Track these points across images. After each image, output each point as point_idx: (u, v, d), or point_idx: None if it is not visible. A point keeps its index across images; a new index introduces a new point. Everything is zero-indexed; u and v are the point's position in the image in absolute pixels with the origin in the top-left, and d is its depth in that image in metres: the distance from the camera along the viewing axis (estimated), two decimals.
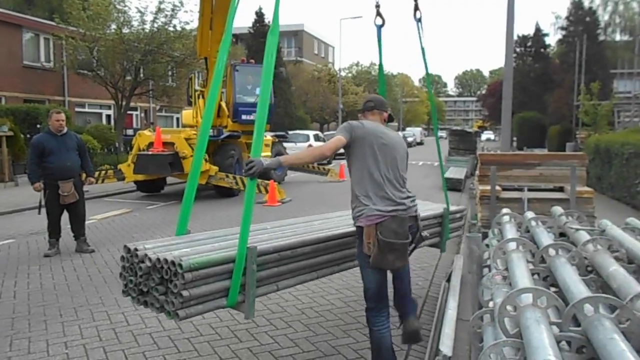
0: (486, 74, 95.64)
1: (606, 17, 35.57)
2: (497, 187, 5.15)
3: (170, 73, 20.73)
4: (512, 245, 1.49)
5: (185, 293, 2.38)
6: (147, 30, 18.45)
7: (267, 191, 10.94)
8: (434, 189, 12.15)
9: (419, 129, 55.10)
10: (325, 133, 28.54)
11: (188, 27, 18.92)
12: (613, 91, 24.34)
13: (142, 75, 19.22)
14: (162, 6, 18.30)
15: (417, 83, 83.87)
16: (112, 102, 20.75)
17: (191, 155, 11.01)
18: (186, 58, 18.99)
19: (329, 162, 21.21)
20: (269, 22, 35.26)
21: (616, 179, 9.85)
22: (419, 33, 4.50)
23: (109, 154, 17.16)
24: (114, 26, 18.31)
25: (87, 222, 6.93)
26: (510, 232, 1.76)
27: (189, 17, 25.33)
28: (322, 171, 16.04)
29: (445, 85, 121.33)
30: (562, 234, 1.78)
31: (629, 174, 8.94)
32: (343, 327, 4.03)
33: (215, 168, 11.29)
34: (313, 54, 48.01)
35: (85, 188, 6.76)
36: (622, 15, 36.69)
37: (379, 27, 4.33)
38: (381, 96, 3.53)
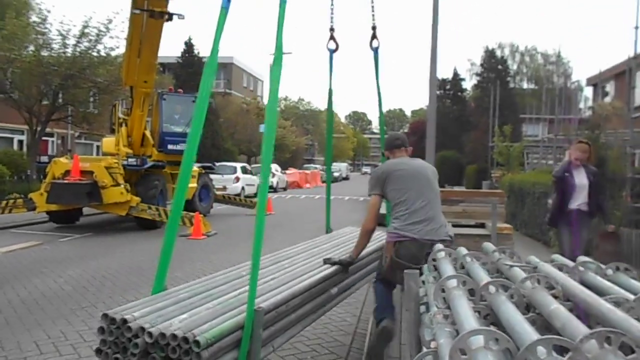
0: (408, 113, 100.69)
1: (515, 67, 39.17)
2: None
3: (92, 99, 19.75)
4: (453, 283, 1.47)
5: None
6: (68, 54, 17.54)
7: (191, 224, 10.53)
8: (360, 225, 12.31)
9: (345, 164, 56.41)
10: (253, 165, 28.31)
11: (113, 53, 18.22)
12: (523, 134, 26.46)
13: (60, 100, 18.13)
14: (86, 30, 17.52)
15: (343, 120, 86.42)
16: (25, 127, 19.29)
17: (111, 185, 10.47)
18: (110, 84, 18.19)
19: (256, 195, 21.00)
20: (198, 52, 35.04)
21: (529, 217, 10.54)
22: (375, 63, 4.50)
23: (20, 182, 15.85)
24: (31, 48, 17.19)
25: None
26: (447, 268, 1.75)
27: (114, 42, 24.46)
28: (249, 204, 15.81)
29: (370, 122, 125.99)
30: (496, 271, 1.79)
31: (540, 212, 9.60)
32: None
33: (137, 199, 10.76)
34: (242, 87, 48.06)
35: None
36: (528, 65, 40.61)
37: (332, 52, 4.36)
38: (401, 134, 4.08)
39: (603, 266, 1.84)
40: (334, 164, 54.31)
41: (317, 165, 46.75)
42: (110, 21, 17.31)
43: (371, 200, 3.35)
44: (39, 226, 11.25)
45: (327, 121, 4.86)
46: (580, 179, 5.31)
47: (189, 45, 34.44)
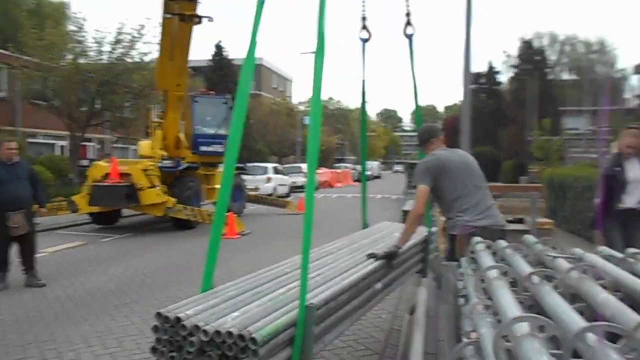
0: (440, 109, 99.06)
1: (554, 57, 37.83)
2: None
3: (127, 104, 20.32)
4: (493, 273, 1.41)
5: None
6: (104, 61, 18.09)
7: (226, 223, 10.68)
8: (395, 221, 12.20)
9: (377, 162, 56.01)
10: (285, 165, 28.47)
11: (146, 58, 18.69)
12: (562, 127, 25.63)
13: (98, 105, 18.73)
14: (120, 37, 18.03)
15: (374, 118, 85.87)
16: (66, 132, 20.01)
17: (148, 187, 10.72)
18: (144, 89, 18.67)
19: (288, 195, 21.10)
20: (227, 54, 35.52)
21: (570, 212, 10.18)
22: (410, 51, 4.35)
23: (63, 186, 16.47)
24: (70, 56, 17.81)
25: (38, 255, 6.57)
26: (488, 260, 1.69)
27: (147, 48, 25.01)
28: (281, 204, 15.91)
29: (400, 120, 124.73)
30: (539, 263, 1.72)
31: (582, 206, 9.25)
32: None
33: (173, 200, 10.99)
34: (271, 88, 48.47)
35: (36, 220, 6.43)
36: (568, 55, 39.09)
37: (364, 41, 4.28)
38: (432, 125, 4.13)
39: None
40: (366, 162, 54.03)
41: (348, 165, 46.63)
42: (142, 27, 17.79)
43: (420, 188, 3.34)
44: (82, 227, 11.67)
45: (360, 113, 4.75)
46: (635, 172, 4.55)
47: (219, 48, 34.99)
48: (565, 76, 37.80)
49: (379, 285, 3.07)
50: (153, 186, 10.78)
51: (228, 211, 11.64)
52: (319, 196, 23.78)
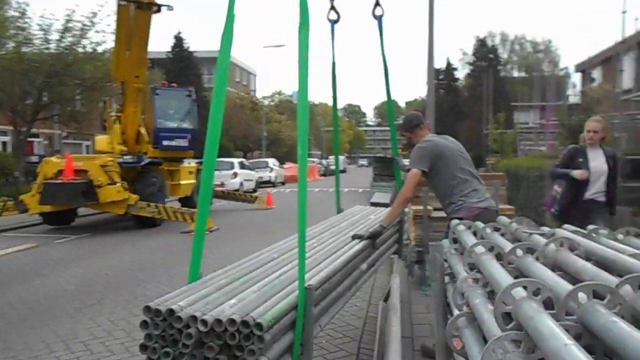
0: (402, 104, 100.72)
1: (505, 55, 39.42)
2: (429, 207, 5.34)
3: (79, 97, 19.32)
4: (480, 249, 1.51)
5: (263, 359, 1.89)
6: (52, 50, 17.09)
7: (192, 220, 10.51)
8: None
9: (342, 157, 56.40)
10: (251, 160, 28.25)
11: (100, 48, 17.82)
12: (514, 121, 26.69)
13: (45, 98, 17.64)
14: (69, 25, 17.07)
15: (338, 113, 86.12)
16: (9, 127, 18.85)
17: (108, 183, 10.35)
18: (98, 81, 17.80)
19: (255, 191, 20.98)
20: (188, 46, 34.81)
21: (524, 200, 10.64)
22: (380, 32, 4.30)
23: (7, 185, 15.55)
24: (11, 44, 16.61)
25: None
26: (471, 238, 1.79)
27: (100, 37, 21.28)
28: (250, 199, 15.80)
29: (364, 115, 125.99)
30: (515, 240, 1.84)
31: (535, 195, 9.70)
32: None
33: (136, 197, 10.66)
34: (235, 82, 47.92)
35: None
36: (517, 54, 40.88)
37: (333, 23, 4.24)
38: (417, 112, 4.12)
39: (614, 232, 1.90)
40: (331, 157, 54.33)
41: (314, 159, 46.72)
42: (95, 14, 16.92)
43: (412, 172, 3.37)
44: (32, 229, 11.06)
45: (332, 97, 4.70)
46: (598, 163, 4.49)
47: (178, 40, 34.20)
48: (516, 73, 39.58)
49: (364, 266, 3.11)
50: (113, 183, 10.39)
51: (194, 207, 11.56)
52: (286, 191, 23.76)
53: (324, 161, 46.88)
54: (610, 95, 13.56)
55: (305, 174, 2.31)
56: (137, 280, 6.34)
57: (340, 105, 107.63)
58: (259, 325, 1.85)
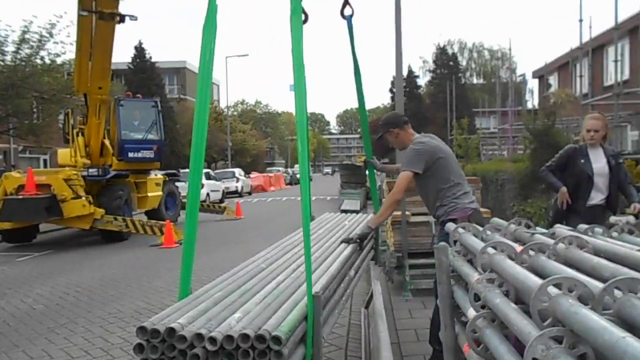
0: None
1: (464, 63, 40.64)
2: (407, 212, 5.39)
3: (35, 110, 18.73)
4: (491, 250, 1.52)
5: None
6: (8, 62, 16.58)
7: (162, 232, 10.26)
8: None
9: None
10: (216, 171, 27.88)
11: (59, 60, 17.36)
12: (476, 127, 27.46)
13: (1, 112, 17.11)
14: (26, 36, 16.59)
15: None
16: None
17: (72, 198, 10.01)
18: (56, 94, 17.30)
19: (222, 201, 20.71)
20: (150, 57, 34.13)
21: (493, 203, 10.93)
22: (350, 33, 4.09)
23: None
24: None
25: None
26: (474, 240, 1.81)
27: (59, 48, 20.48)
28: (218, 210, 15.58)
29: (328, 123, 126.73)
30: (516, 240, 1.87)
31: (503, 198, 9.98)
32: None
33: (101, 211, 10.35)
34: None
35: None
36: (476, 61, 42.23)
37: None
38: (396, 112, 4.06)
39: (608, 230, 1.96)
40: (296, 166, 54.25)
41: (280, 168, 46.56)
42: (53, 25, 16.54)
43: (404, 174, 3.28)
44: None
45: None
46: (601, 164, 4.08)
47: (139, 50, 33.53)
48: (475, 80, 40.85)
49: (352, 272, 3.08)
50: (77, 197, 10.04)
51: (162, 220, 11.30)
52: (253, 201, 23.55)
53: (289, 170, 46.85)
54: (572, 100, 14.17)
55: (307, 177, 2.22)
56: (109, 296, 6.12)
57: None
58: (276, 340, 1.67)
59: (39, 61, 16.97)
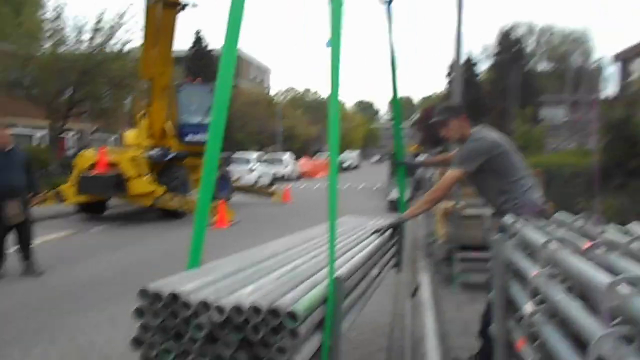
0: (416, 100, 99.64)
1: (532, 47, 38.25)
2: (461, 204, 5.27)
3: (107, 94, 19.88)
4: (554, 245, 1.47)
5: None
6: (83, 50, 17.63)
7: (215, 213, 10.62)
8: (381, 211, 12.39)
9: (356, 152, 56.18)
10: (266, 156, 28.36)
11: (127, 47, 18.26)
12: (540, 117, 26.15)
13: (78, 95, 18.30)
14: (100, 25, 17.56)
15: (351, 108, 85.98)
16: (44, 123, 19.52)
17: (137, 176, 10.64)
18: (124, 79, 18.27)
19: (270, 185, 21.08)
20: (207, 44, 34.99)
21: (557, 198, 10.47)
22: (388, 18, 3.85)
23: (44, 177, 16.12)
24: (48, 44, 17.31)
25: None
26: (537, 235, 1.76)
27: (128, 36, 21.59)
28: (267, 193, 15.90)
29: (377, 112, 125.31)
30: (583, 236, 1.80)
31: (568, 193, 9.52)
32: None
33: (162, 189, 10.89)
34: (249, 78, 48.11)
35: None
36: (545, 45, 39.37)
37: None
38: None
39: None
40: (344, 153, 53.96)
41: (325, 153, 46.64)
42: (122, 14, 17.36)
43: (454, 173, 3.09)
44: (69, 218, 11.49)
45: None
46: None
47: (198, 37, 34.45)
48: (543, 66, 38.19)
49: (375, 271, 2.98)
50: (141, 176, 10.67)
51: (217, 200, 11.67)
52: (301, 186, 23.80)
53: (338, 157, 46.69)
54: None
55: (337, 160, 2.07)
56: (168, 268, 6.34)
57: (353, 101, 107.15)
58: (291, 316, 1.45)
59: (109, 49, 17.92)
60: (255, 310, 1.46)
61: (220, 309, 1.47)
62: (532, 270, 1.52)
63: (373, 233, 3.17)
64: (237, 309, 1.47)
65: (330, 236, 1.93)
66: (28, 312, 4.67)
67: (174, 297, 1.54)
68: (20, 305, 4.92)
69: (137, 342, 1.64)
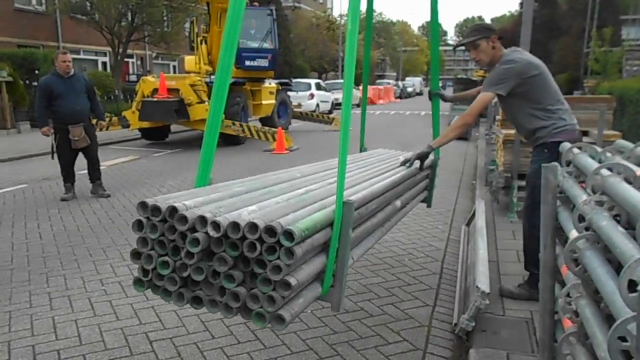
0: (487, 21, 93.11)
1: None
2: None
3: (165, 18, 20.00)
4: (606, 172, 1.44)
5: (292, 281, 1.50)
6: None
7: (274, 139, 10.86)
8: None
9: (419, 79, 54.29)
10: (327, 82, 28.00)
11: None
12: (622, 38, 23.80)
13: (138, 20, 18.57)
14: None
15: (416, 31, 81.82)
16: (107, 48, 20.13)
17: (197, 102, 10.86)
18: (183, 2, 18.25)
19: (330, 112, 20.99)
20: None
21: (629, 126, 9.79)
22: None
23: (108, 102, 16.90)
24: None
25: None
26: (590, 161, 1.71)
27: None
28: (327, 120, 15.89)
29: (445, 34, 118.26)
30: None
31: None
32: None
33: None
34: (311, 0, 46.46)
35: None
36: None
37: None
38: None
39: None
40: (407, 79, 52.18)
41: (390, 81, 45.33)
42: None
43: (486, 95, 2.98)
44: (133, 143, 12.14)
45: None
46: None
47: None
48: None
49: (398, 203, 2.91)
50: (201, 101, 10.89)
51: (274, 127, 11.88)
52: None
53: (400, 83, 45.40)
54: None
55: (351, 87, 1.96)
56: None
57: (419, 22, 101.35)
58: (288, 235, 1.44)
59: None
60: (252, 227, 1.45)
61: (216, 225, 1.47)
62: (582, 198, 1.50)
63: (401, 164, 3.10)
64: (234, 225, 1.47)
65: (340, 159, 1.85)
66: (99, 231, 5.06)
67: (173, 210, 1.53)
68: (92, 223, 5.34)
69: (136, 255, 1.67)
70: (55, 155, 6.25)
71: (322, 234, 1.68)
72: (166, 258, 1.58)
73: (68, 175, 6.36)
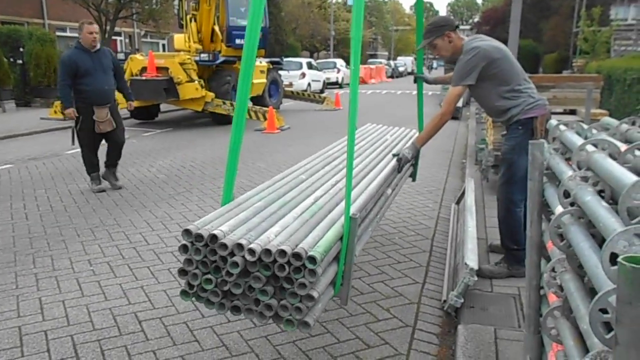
0: (479, 1, 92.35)
1: None
2: None
3: None
4: (591, 147, 1.45)
5: (315, 294, 1.85)
6: None
7: (265, 118, 10.78)
8: (429, 117, 12.11)
9: (410, 58, 53.88)
10: (318, 61, 27.72)
11: None
12: (611, 18, 23.78)
13: None
14: None
15: (408, 10, 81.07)
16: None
17: (187, 81, 10.71)
18: None
19: (322, 91, 20.85)
20: None
21: (616, 105, 9.85)
22: None
23: None
24: None
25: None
26: (576, 138, 1.72)
27: None
28: (318, 99, 15.78)
29: (436, 13, 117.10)
30: (627, 140, 1.75)
31: (630, 99, 8.91)
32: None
33: (212, 94, 11.03)
34: None
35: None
36: None
37: None
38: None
39: None
40: (399, 58, 51.83)
41: (382, 60, 44.99)
42: None
43: (456, 90, 3.09)
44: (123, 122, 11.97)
45: None
46: None
47: None
48: None
49: (389, 191, 3.02)
50: (191, 80, 10.76)
51: (265, 106, 11.79)
52: None
53: (391, 62, 45.11)
54: None
55: (357, 81, 2.07)
56: (218, 172, 6.76)
57: (411, 1, 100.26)
58: (312, 259, 1.78)
59: None
60: (281, 253, 1.80)
61: (252, 251, 1.81)
62: (567, 174, 1.51)
63: (394, 156, 3.22)
64: (267, 252, 1.82)
65: (348, 180, 2.09)
66: (87, 211, 5.03)
67: (214, 237, 1.87)
68: (80, 203, 5.29)
69: (182, 272, 1.97)
70: (76, 141, 5.64)
71: (335, 248, 2.03)
72: (209, 276, 1.92)
73: (92, 165, 5.70)
